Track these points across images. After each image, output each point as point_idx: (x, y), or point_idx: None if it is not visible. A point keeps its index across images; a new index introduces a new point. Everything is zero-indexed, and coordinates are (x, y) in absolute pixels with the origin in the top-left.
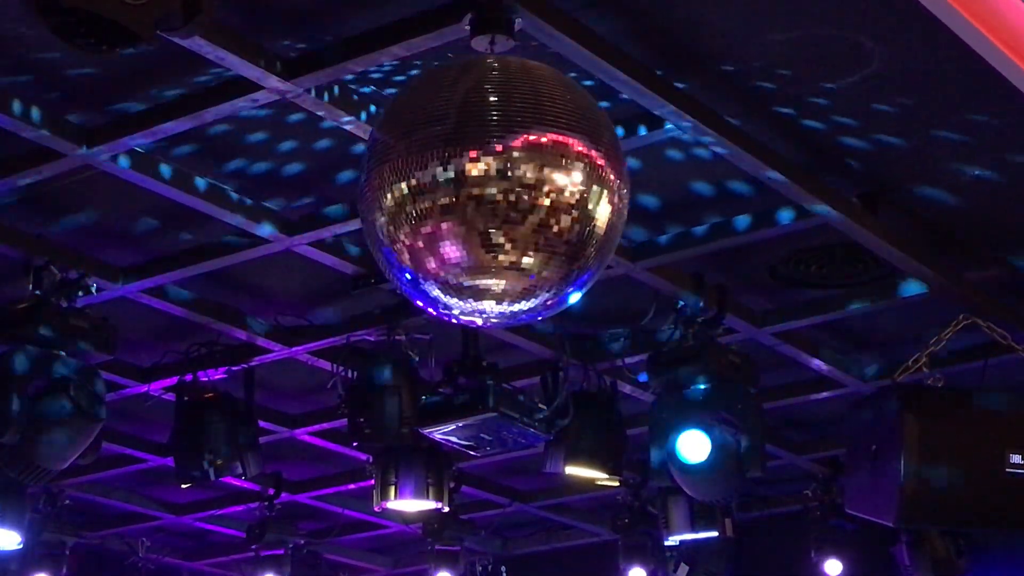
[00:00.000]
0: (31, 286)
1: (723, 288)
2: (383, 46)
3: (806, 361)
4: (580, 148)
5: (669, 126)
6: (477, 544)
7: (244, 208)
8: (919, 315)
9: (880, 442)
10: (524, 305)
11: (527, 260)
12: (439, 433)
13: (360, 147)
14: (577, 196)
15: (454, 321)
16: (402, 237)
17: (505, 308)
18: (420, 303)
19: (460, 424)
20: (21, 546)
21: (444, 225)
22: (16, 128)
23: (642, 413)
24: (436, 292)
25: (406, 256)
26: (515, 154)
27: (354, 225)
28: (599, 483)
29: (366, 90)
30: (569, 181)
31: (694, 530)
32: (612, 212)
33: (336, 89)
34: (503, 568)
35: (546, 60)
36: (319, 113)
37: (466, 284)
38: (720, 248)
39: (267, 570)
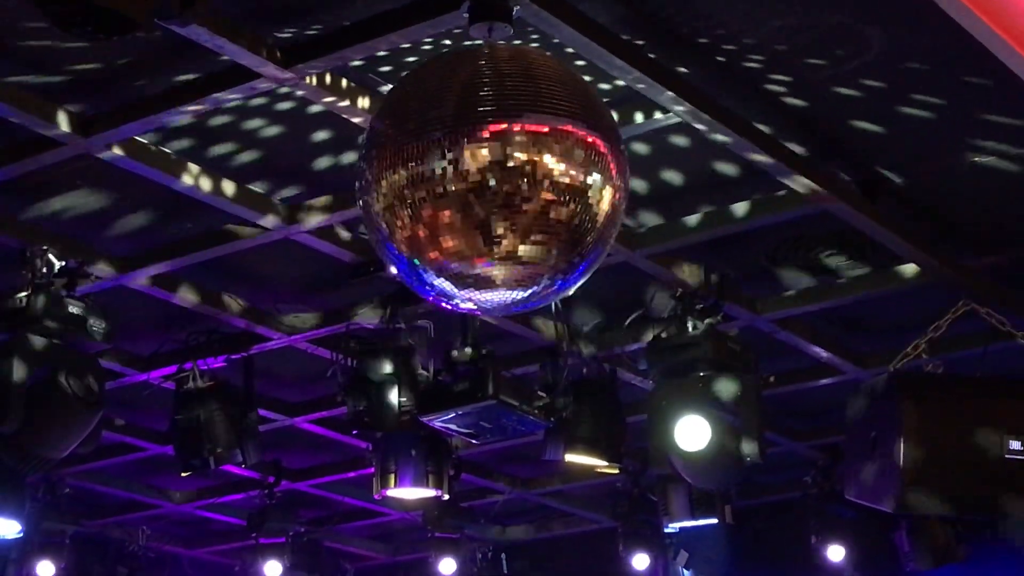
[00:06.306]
0: (29, 275)
1: (722, 275)
2: (381, 34)
3: (805, 348)
4: (579, 135)
5: (667, 112)
6: (477, 531)
7: (243, 196)
8: (918, 302)
9: (879, 429)
10: (524, 293)
11: (526, 248)
12: (439, 421)
13: (359, 135)
14: (577, 183)
15: (454, 309)
16: (401, 225)
17: (505, 296)
18: (419, 291)
19: (459, 412)
20: (21, 535)
21: (443, 213)
22: (14, 117)
23: (641, 400)
24: (435, 280)
25: (405, 244)
26: (514, 141)
27: (353, 213)
28: (599, 470)
29: (364, 78)
30: (568, 168)
31: (694, 517)
32: (612, 199)
33: (334, 77)
34: (503, 555)
35: (544, 47)
36: (317, 101)
37: (466, 272)
38: (720, 235)
39: (267, 558)
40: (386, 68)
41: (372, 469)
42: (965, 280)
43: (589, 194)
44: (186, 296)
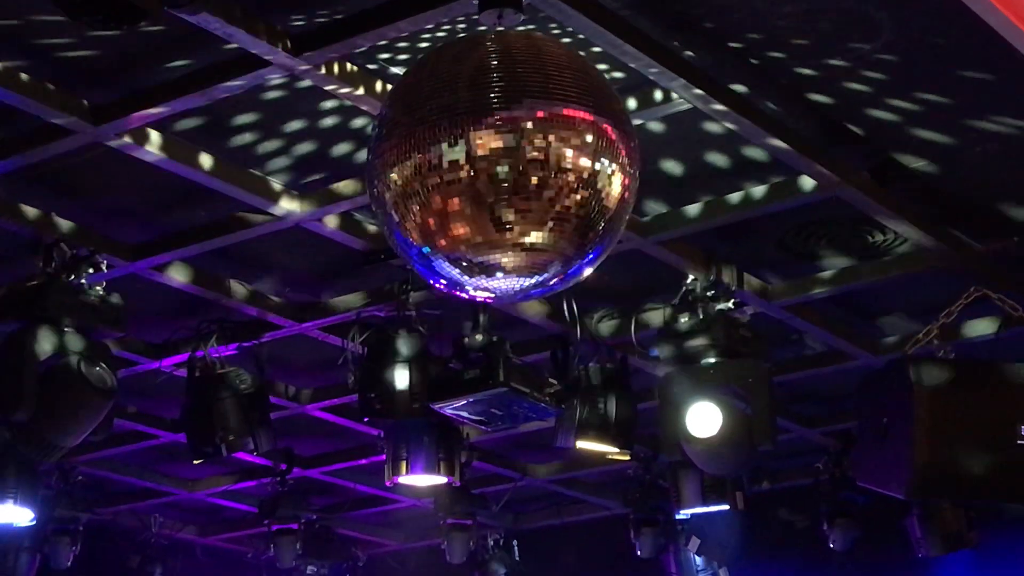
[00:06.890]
0: (42, 264)
1: (733, 262)
2: (391, 21)
3: (816, 334)
4: (590, 122)
5: (679, 98)
6: (488, 518)
7: (254, 184)
8: (930, 288)
9: (891, 415)
10: (535, 280)
11: (537, 235)
12: (450, 408)
13: (369, 122)
14: (587, 171)
15: (465, 296)
16: (412, 213)
17: (516, 283)
18: (431, 279)
19: (471, 399)
20: (34, 522)
21: (453, 201)
22: (26, 106)
23: (653, 387)
24: (447, 268)
25: (416, 232)
26: (524, 129)
27: (364, 201)
28: (610, 457)
29: (374, 65)
30: (579, 155)
31: (705, 504)
32: (623, 186)
33: (344, 64)
34: (514, 542)
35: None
36: (328, 89)
37: (476, 260)
38: (730, 221)
39: (279, 545)
40: (393, 55)
41: (383, 456)
42: (977, 265)
43: (599, 181)
44: (197, 284)
